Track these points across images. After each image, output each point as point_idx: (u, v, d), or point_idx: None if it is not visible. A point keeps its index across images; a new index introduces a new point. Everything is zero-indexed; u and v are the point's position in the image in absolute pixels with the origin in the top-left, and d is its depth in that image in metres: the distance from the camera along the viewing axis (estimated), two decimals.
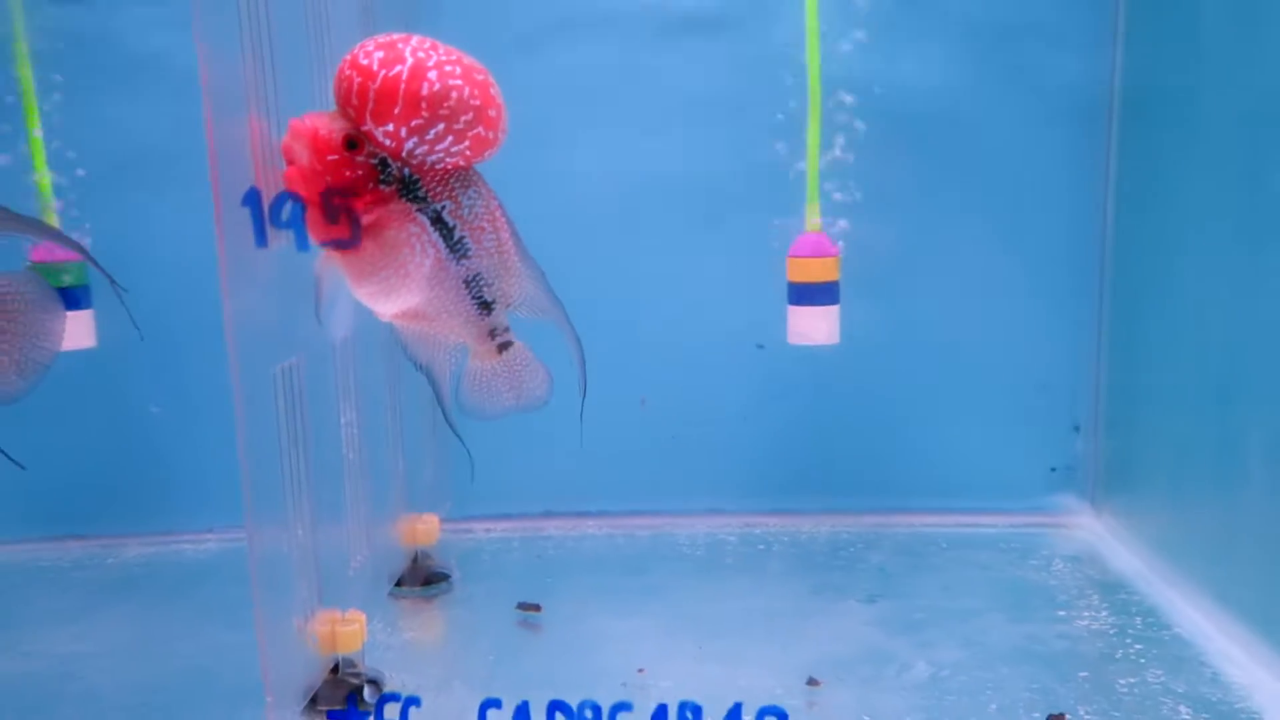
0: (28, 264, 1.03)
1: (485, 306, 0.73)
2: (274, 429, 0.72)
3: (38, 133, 1.02)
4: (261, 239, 0.60)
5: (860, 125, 1.04)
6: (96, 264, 0.71)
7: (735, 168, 1.10)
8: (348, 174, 0.64)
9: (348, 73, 0.64)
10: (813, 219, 1.03)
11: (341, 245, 0.60)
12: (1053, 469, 1.16)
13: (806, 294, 1.01)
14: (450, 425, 0.78)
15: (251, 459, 0.69)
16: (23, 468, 0.72)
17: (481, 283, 0.72)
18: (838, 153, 1.05)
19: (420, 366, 0.75)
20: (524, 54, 1.10)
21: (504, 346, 0.75)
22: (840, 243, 1.04)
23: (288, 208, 0.60)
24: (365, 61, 0.63)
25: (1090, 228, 1.11)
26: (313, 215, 0.64)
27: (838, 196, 1.06)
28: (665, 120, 1.11)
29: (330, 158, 0.64)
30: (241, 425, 0.68)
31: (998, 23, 1.08)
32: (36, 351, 0.72)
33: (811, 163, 1.03)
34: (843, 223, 1.07)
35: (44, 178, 1.03)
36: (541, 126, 1.10)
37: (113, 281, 0.70)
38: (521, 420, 1.13)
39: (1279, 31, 0.79)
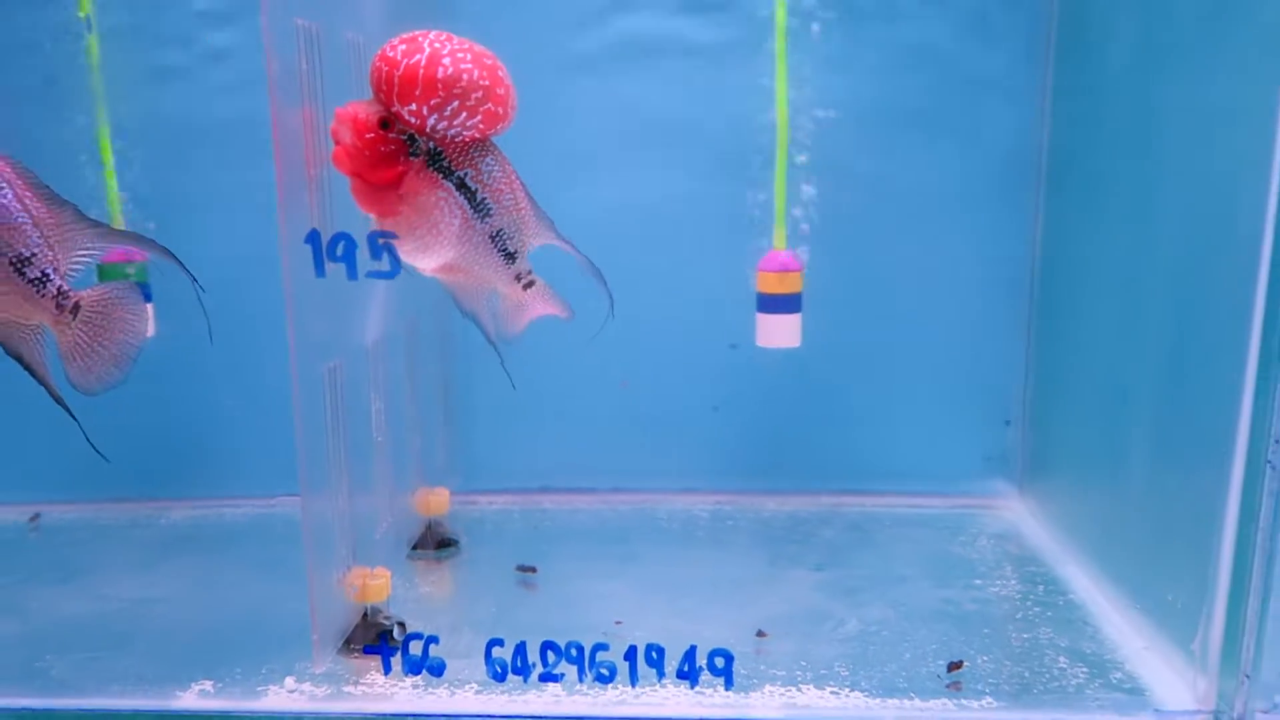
0: (98, 263, 1.18)
1: (510, 256, 0.84)
2: (322, 417, 0.87)
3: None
4: (320, 271, 0.76)
5: (819, 159, 1.19)
6: (183, 265, 0.82)
7: (717, 191, 1.22)
8: (383, 149, 0.77)
9: (378, 64, 0.76)
10: (779, 239, 1.18)
11: (383, 276, 0.75)
12: (986, 458, 1.30)
13: (773, 304, 1.15)
14: (498, 353, 0.89)
15: (306, 441, 0.84)
16: (108, 460, 0.87)
17: (504, 237, 0.83)
18: (802, 185, 1.21)
19: (465, 313, 0.86)
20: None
21: (529, 285, 0.87)
22: (803, 259, 1.19)
23: (341, 245, 0.75)
24: (391, 54, 0.76)
25: (1021, 258, 1.24)
26: (359, 188, 0.77)
27: (803, 227, 1.21)
28: (654, 148, 1.23)
29: (368, 136, 0.76)
30: (298, 414, 0.83)
31: (944, 76, 1.21)
32: (128, 346, 0.87)
33: (779, 191, 1.17)
34: (803, 246, 1.22)
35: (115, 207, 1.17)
36: (550, 153, 1.23)
37: (194, 280, 0.82)
38: (524, 407, 1.29)
39: (1161, 116, 0.94)
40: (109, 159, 1.16)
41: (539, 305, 0.89)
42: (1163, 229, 0.94)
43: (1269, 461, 0.76)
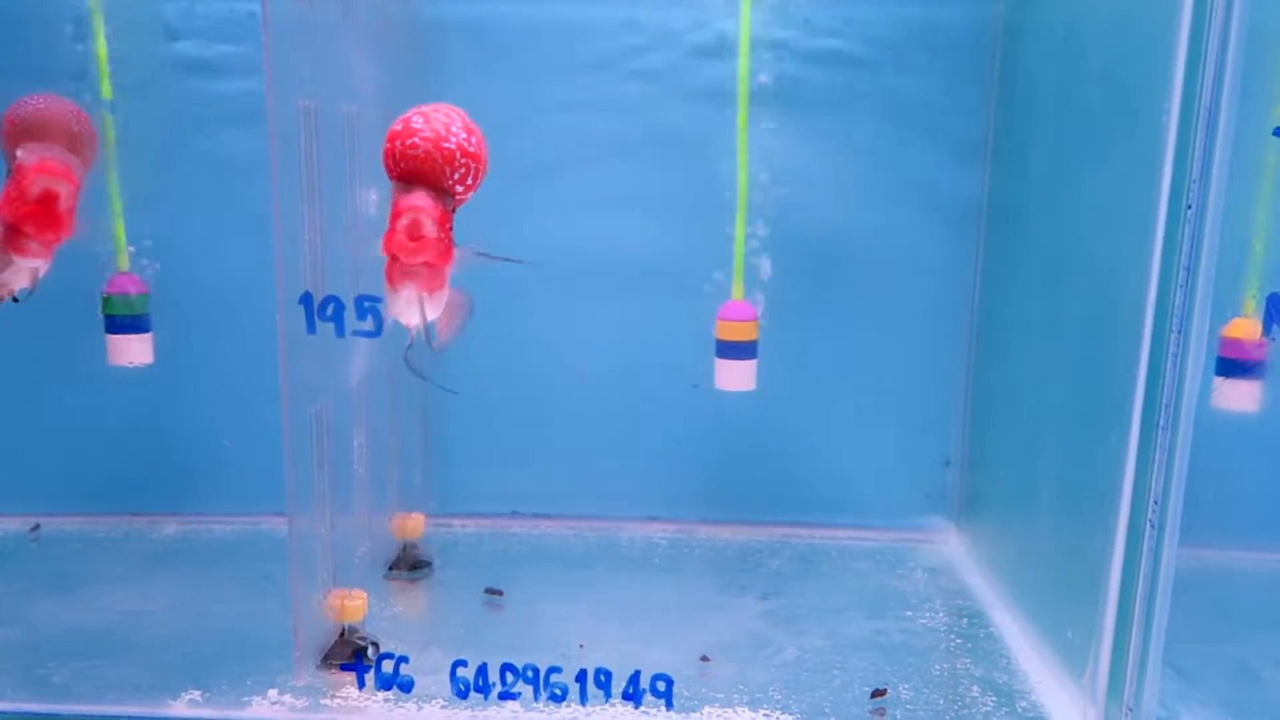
0: (104, 295, 1.25)
1: None
2: (309, 453, 0.96)
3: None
4: (312, 328, 0.85)
5: (773, 217, 1.29)
6: None
7: (681, 245, 1.31)
8: (449, 230, 0.83)
9: (443, 149, 0.80)
10: (737, 289, 1.27)
11: (368, 335, 0.84)
12: (926, 495, 1.39)
13: (731, 349, 1.23)
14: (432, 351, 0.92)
15: (294, 474, 0.92)
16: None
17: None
18: (758, 239, 1.30)
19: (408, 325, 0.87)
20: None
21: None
22: (759, 308, 1.29)
23: (331, 307, 0.84)
24: (449, 145, 0.81)
25: (961, 313, 1.34)
26: (420, 273, 0.82)
27: (763, 277, 1.31)
28: (626, 204, 1.33)
29: (448, 225, 0.83)
30: (288, 452, 0.92)
31: (891, 141, 1.32)
32: None
33: (738, 245, 1.27)
34: (760, 294, 1.31)
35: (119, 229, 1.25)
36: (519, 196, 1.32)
37: None
38: (496, 436, 1.38)
39: (1073, 184, 1.04)
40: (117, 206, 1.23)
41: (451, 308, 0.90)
42: (1070, 299, 1.04)
43: (1149, 520, 0.85)
